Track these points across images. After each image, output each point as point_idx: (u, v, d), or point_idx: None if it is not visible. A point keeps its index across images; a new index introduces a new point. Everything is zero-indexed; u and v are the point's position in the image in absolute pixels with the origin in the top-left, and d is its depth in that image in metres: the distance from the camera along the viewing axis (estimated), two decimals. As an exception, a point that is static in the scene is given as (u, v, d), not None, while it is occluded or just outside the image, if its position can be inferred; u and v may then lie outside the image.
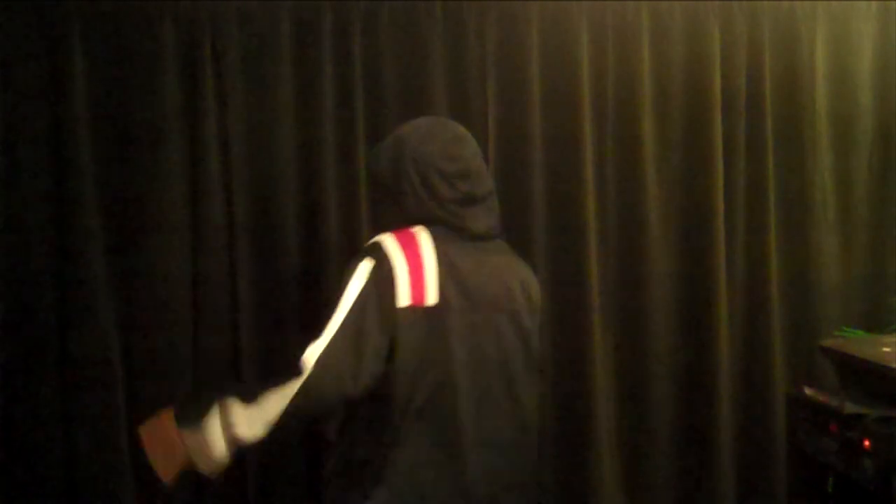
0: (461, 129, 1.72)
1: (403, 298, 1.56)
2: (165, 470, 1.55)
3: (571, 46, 2.33)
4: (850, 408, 1.94)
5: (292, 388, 1.53)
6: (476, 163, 1.68)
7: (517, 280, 1.70)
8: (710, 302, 2.40)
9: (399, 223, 1.65)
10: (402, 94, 2.26)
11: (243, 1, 2.20)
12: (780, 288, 2.46)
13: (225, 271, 2.20)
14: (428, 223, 1.64)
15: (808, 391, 2.13)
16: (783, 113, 2.46)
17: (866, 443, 1.86)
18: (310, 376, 1.52)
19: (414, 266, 1.58)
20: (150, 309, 2.18)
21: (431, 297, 1.58)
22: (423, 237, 1.61)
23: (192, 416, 1.52)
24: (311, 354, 1.53)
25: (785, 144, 2.47)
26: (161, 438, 1.53)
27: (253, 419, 1.52)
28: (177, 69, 2.17)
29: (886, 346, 2.10)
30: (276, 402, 1.54)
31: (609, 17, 2.36)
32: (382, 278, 1.56)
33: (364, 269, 1.58)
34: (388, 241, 1.60)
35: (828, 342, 2.28)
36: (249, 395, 1.53)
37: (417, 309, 1.57)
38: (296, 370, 1.53)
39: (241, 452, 1.54)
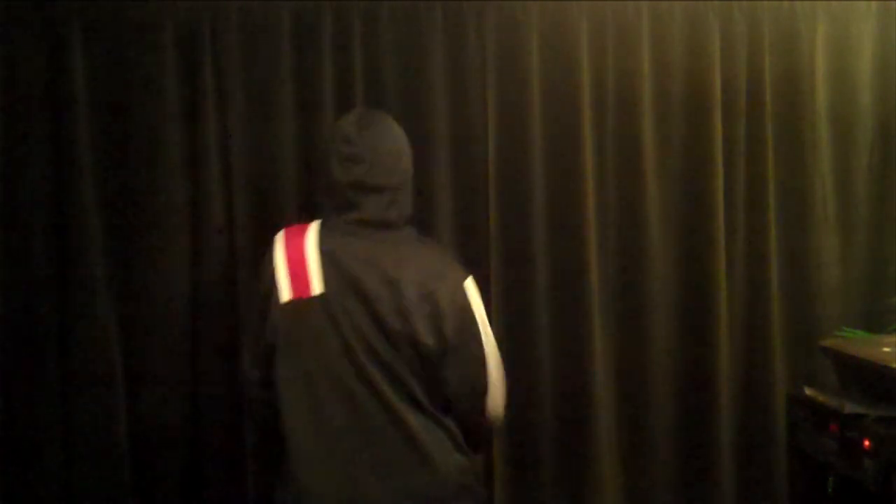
0: (374, 119, 1.78)
1: (285, 294, 1.64)
2: None
3: (571, 46, 2.33)
4: (850, 408, 1.94)
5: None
6: (377, 153, 1.72)
7: (417, 278, 1.68)
8: (709, 302, 2.40)
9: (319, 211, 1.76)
10: (402, 94, 2.26)
11: (243, 1, 2.20)
12: (780, 288, 2.46)
13: (225, 271, 2.20)
14: (332, 211, 1.72)
15: (808, 391, 2.13)
16: (783, 113, 2.46)
17: (866, 443, 1.86)
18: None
19: (296, 260, 1.64)
20: (150, 309, 2.18)
21: (317, 288, 1.62)
22: (312, 229, 1.69)
23: None
24: None
25: (785, 144, 2.46)
26: None
27: None
28: (177, 69, 2.17)
29: (886, 346, 2.10)
30: None
31: (609, 17, 2.36)
32: (266, 278, 1.68)
33: (260, 268, 1.74)
34: (278, 239, 1.72)
35: (828, 342, 2.28)
36: None
37: (302, 301, 1.62)
38: None
39: None
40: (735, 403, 2.45)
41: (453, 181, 2.30)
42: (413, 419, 1.67)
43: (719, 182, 2.40)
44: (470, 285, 1.79)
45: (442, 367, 1.71)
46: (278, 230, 2.19)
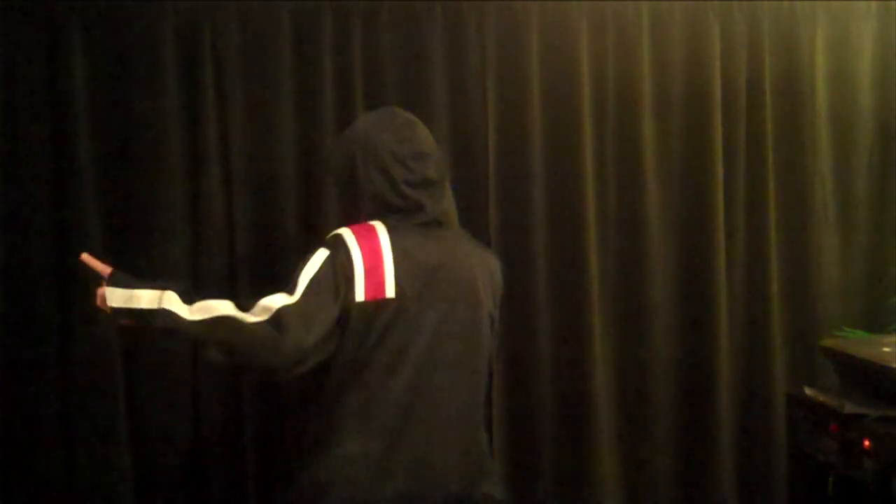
0: (412, 117, 1.74)
1: (359, 293, 1.56)
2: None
3: (571, 46, 2.33)
4: (850, 408, 1.93)
5: (252, 324, 1.51)
6: (429, 146, 1.68)
7: (482, 270, 1.69)
8: (710, 302, 2.40)
9: (356, 218, 1.65)
10: (402, 94, 2.26)
11: (243, 1, 2.20)
12: (780, 288, 2.46)
13: (225, 271, 2.20)
14: (384, 214, 1.63)
15: (808, 391, 2.13)
16: (783, 113, 2.46)
17: (866, 443, 1.86)
18: (273, 324, 1.50)
19: (372, 261, 1.57)
20: (150, 309, 2.18)
21: (389, 291, 1.57)
22: (381, 230, 1.61)
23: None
24: (275, 302, 1.52)
25: (785, 144, 2.47)
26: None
27: (190, 309, 1.54)
28: (177, 69, 2.17)
29: (886, 346, 2.10)
30: (224, 320, 1.52)
31: (609, 17, 2.36)
32: (339, 267, 1.56)
33: (319, 256, 1.58)
34: (347, 235, 1.59)
35: (828, 342, 2.28)
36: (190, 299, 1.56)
37: (373, 303, 1.56)
38: (251, 309, 1.54)
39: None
40: (735, 403, 2.45)
41: (453, 181, 2.28)
42: (476, 429, 1.68)
43: (719, 182, 2.40)
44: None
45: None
46: (278, 230, 2.22)
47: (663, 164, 2.42)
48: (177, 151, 2.18)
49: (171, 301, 1.53)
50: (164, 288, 1.55)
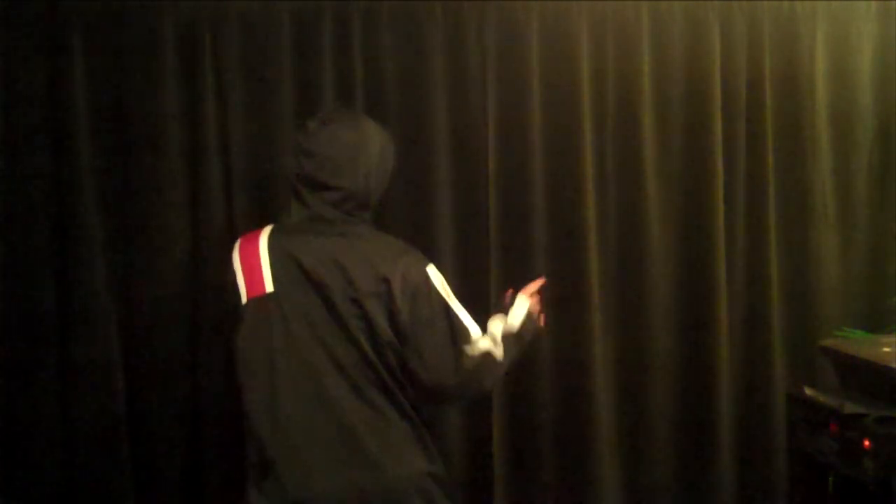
0: (345, 117, 1.81)
1: (244, 296, 1.69)
2: None
3: (571, 46, 2.33)
4: (850, 408, 1.94)
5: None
6: (331, 149, 1.72)
7: (359, 262, 1.68)
8: (710, 302, 2.40)
9: None
10: (402, 94, 2.26)
11: (243, 1, 2.20)
12: (780, 288, 2.46)
13: (225, 271, 2.20)
14: (287, 208, 1.78)
15: (808, 391, 2.13)
16: (783, 113, 2.46)
17: (866, 443, 1.86)
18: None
19: (250, 262, 1.70)
20: (150, 309, 2.18)
21: (269, 286, 1.67)
22: (265, 231, 1.74)
23: None
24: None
25: (785, 144, 2.47)
26: None
27: None
28: (177, 69, 2.17)
29: (886, 346, 2.10)
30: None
31: (609, 17, 2.36)
32: (228, 286, 1.73)
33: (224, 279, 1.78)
34: (235, 247, 1.76)
35: (828, 342, 2.29)
36: None
37: (255, 300, 1.67)
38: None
39: None
40: (735, 403, 2.45)
41: (453, 181, 2.30)
42: (359, 415, 1.65)
43: (719, 182, 2.40)
44: (431, 269, 1.75)
45: (406, 351, 1.69)
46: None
47: (663, 164, 2.42)
48: (177, 151, 2.18)
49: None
50: None
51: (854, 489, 1.93)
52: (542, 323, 1.96)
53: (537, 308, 1.93)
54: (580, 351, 2.34)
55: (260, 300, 1.67)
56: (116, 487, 2.16)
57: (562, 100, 2.33)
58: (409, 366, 1.69)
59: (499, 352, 1.76)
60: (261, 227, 1.84)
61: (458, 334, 1.71)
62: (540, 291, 1.96)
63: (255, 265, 1.69)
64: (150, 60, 2.16)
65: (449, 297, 1.74)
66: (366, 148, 1.74)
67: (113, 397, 2.16)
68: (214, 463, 2.21)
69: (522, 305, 1.89)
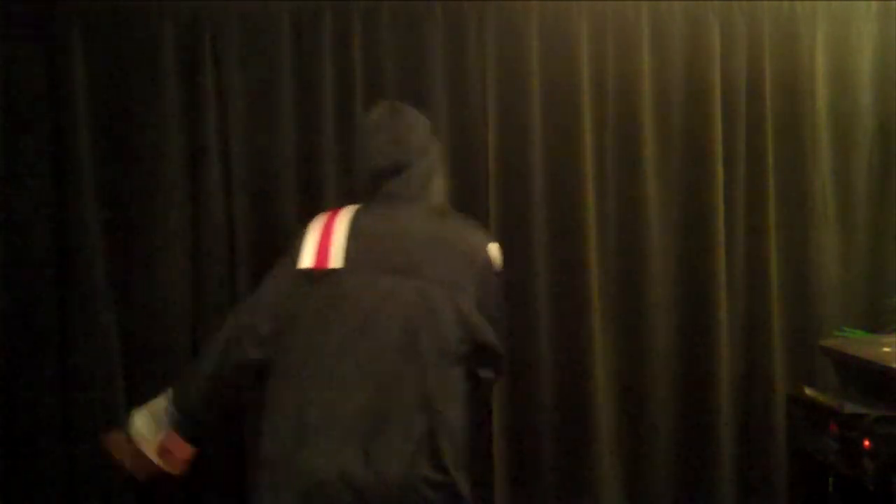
0: (403, 107, 1.84)
1: (305, 261, 1.67)
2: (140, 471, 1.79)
3: (571, 46, 2.33)
4: (850, 408, 1.94)
5: (213, 345, 1.73)
6: (412, 137, 1.78)
7: (441, 246, 1.68)
8: (710, 302, 2.40)
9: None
10: (402, 94, 2.25)
11: (243, 1, 2.20)
12: (780, 288, 2.46)
13: (225, 271, 2.20)
14: (363, 195, 1.78)
15: (808, 391, 2.13)
16: (783, 113, 2.46)
17: (866, 443, 1.86)
18: (222, 329, 1.72)
19: (324, 233, 1.69)
20: (150, 309, 2.18)
21: (337, 261, 1.65)
22: (347, 209, 1.74)
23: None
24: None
25: (785, 144, 2.46)
26: (120, 450, 1.78)
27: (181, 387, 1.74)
28: (177, 69, 2.17)
29: (886, 346, 2.10)
30: (201, 363, 1.75)
31: (609, 17, 2.36)
32: (294, 247, 1.71)
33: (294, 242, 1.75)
34: (317, 217, 1.76)
35: (828, 342, 2.28)
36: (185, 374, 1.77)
37: (318, 271, 1.66)
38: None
39: (196, 430, 1.78)
40: (735, 403, 2.45)
41: (453, 181, 2.30)
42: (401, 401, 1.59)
43: (719, 182, 2.40)
44: (494, 249, 1.76)
45: (474, 334, 1.65)
46: (278, 230, 2.22)
47: (663, 164, 2.42)
48: (177, 151, 2.18)
49: None
50: None
51: (854, 489, 1.93)
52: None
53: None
54: (580, 351, 2.34)
55: (324, 272, 1.65)
56: (116, 487, 2.16)
57: (562, 100, 2.33)
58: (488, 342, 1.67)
59: None
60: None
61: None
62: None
63: (328, 238, 1.68)
64: (150, 60, 2.16)
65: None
66: (427, 129, 1.83)
67: (113, 396, 2.16)
68: (214, 462, 2.21)
69: None
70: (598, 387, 2.35)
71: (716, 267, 2.39)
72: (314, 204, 2.22)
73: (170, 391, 1.77)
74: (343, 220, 1.70)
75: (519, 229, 2.32)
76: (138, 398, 2.17)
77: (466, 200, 2.30)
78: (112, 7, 2.15)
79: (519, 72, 2.30)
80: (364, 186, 1.77)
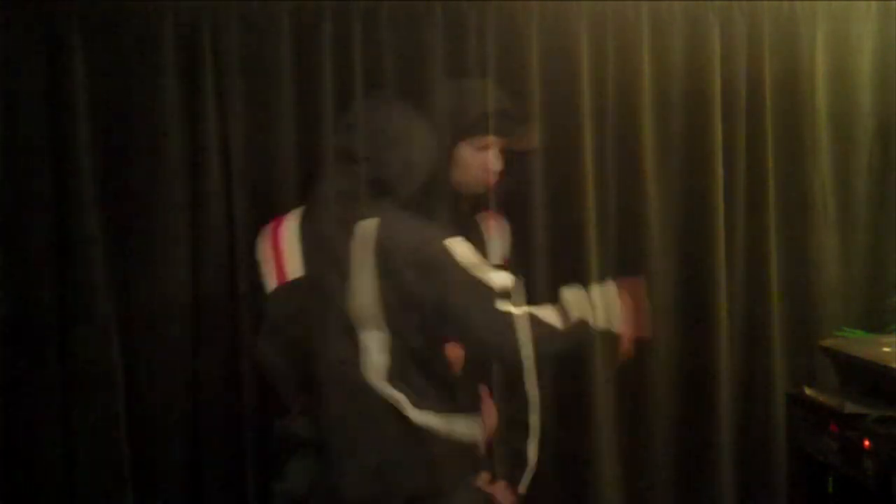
0: (380, 100, 1.89)
1: (270, 284, 1.72)
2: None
3: (571, 46, 2.32)
4: (850, 408, 1.94)
5: None
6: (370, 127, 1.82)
7: (374, 242, 1.71)
8: (709, 302, 2.40)
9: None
10: (401, 95, 2.25)
11: (243, 1, 2.19)
12: (780, 288, 2.46)
13: (225, 271, 2.20)
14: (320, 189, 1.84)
15: (808, 391, 2.13)
16: (783, 113, 2.46)
17: (866, 443, 1.86)
18: None
19: (274, 249, 1.74)
20: (150, 310, 2.18)
21: (296, 272, 1.70)
22: (292, 216, 1.77)
23: None
24: None
25: (785, 144, 2.46)
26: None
27: None
28: (177, 69, 2.17)
29: (886, 346, 2.10)
30: None
31: (609, 17, 2.35)
32: (258, 271, 1.78)
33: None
34: (262, 232, 1.82)
35: (828, 342, 2.28)
36: None
37: (283, 287, 1.70)
38: None
39: None
40: (735, 403, 2.45)
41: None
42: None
43: (719, 182, 2.40)
44: (449, 243, 1.76)
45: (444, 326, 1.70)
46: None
47: (663, 164, 2.42)
48: (177, 151, 2.18)
49: None
50: None
51: (854, 489, 1.93)
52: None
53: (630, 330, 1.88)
54: (580, 351, 2.33)
55: (288, 286, 1.69)
56: (116, 487, 2.16)
57: (562, 100, 2.33)
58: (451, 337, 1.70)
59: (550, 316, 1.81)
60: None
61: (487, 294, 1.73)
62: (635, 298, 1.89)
63: (279, 251, 1.75)
64: (150, 60, 2.15)
65: (470, 270, 1.75)
66: (397, 127, 1.85)
67: (113, 398, 2.16)
68: (215, 462, 2.21)
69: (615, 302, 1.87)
70: (598, 387, 2.35)
71: (716, 267, 2.39)
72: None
73: None
74: (292, 229, 1.74)
75: (519, 229, 2.32)
76: (138, 398, 2.19)
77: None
78: (112, 7, 2.15)
79: (519, 72, 2.30)
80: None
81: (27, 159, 2.13)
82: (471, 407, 1.74)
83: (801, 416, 2.14)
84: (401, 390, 1.70)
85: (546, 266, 2.33)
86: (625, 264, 2.40)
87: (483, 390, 1.75)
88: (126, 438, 2.17)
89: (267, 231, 1.77)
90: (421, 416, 1.69)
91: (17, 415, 2.14)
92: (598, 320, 1.81)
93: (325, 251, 1.69)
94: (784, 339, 2.47)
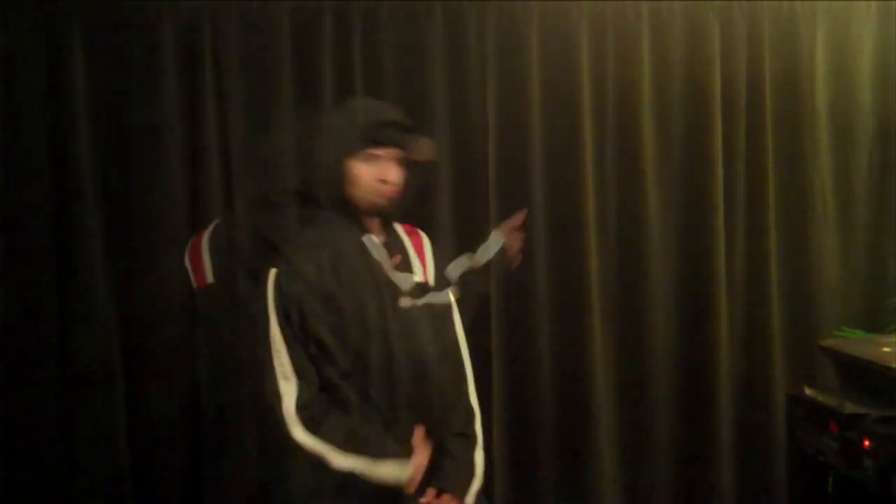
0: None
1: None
2: None
3: (571, 46, 2.33)
4: (850, 408, 1.94)
5: None
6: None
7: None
8: (710, 302, 2.40)
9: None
10: (402, 94, 2.25)
11: (243, 1, 2.19)
12: (780, 288, 2.46)
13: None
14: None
15: (808, 391, 2.13)
16: (783, 113, 2.46)
17: (866, 443, 1.86)
18: None
19: (195, 255, 1.83)
20: (150, 309, 2.18)
21: (209, 277, 1.80)
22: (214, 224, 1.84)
23: None
24: None
25: (785, 144, 2.46)
26: None
27: None
28: (177, 69, 2.17)
29: (886, 346, 2.10)
30: None
31: (609, 17, 2.36)
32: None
33: None
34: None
35: (828, 342, 2.28)
36: None
37: (201, 290, 1.81)
38: None
39: None
40: (735, 403, 2.45)
41: (453, 181, 2.30)
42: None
43: (719, 182, 2.40)
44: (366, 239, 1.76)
45: None
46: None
47: (663, 164, 2.42)
48: (177, 151, 2.18)
49: None
50: None
51: (854, 489, 1.93)
52: (515, 261, 1.99)
53: (517, 244, 1.96)
54: (580, 351, 2.34)
55: (204, 290, 1.80)
56: (116, 487, 2.16)
57: (562, 100, 2.33)
58: None
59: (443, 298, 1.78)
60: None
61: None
62: (522, 226, 1.98)
63: (198, 256, 1.85)
64: (150, 60, 2.16)
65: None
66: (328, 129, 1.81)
67: (113, 396, 2.16)
68: (215, 463, 2.21)
69: (496, 242, 1.91)
70: (598, 387, 2.35)
71: (716, 267, 2.39)
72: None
73: None
74: (207, 235, 1.82)
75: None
76: (138, 398, 2.19)
77: (466, 200, 2.31)
78: (112, 7, 2.15)
79: (519, 72, 2.30)
80: None
81: (27, 159, 2.13)
82: (402, 451, 1.69)
83: (801, 416, 2.14)
84: (322, 437, 1.64)
85: (546, 266, 2.33)
86: (625, 264, 2.41)
87: (418, 430, 1.71)
88: (126, 438, 2.17)
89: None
90: (346, 462, 1.63)
91: (17, 414, 2.14)
92: (483, 257, 1.87)
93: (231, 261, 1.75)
94: (784, 339, 2.47)
